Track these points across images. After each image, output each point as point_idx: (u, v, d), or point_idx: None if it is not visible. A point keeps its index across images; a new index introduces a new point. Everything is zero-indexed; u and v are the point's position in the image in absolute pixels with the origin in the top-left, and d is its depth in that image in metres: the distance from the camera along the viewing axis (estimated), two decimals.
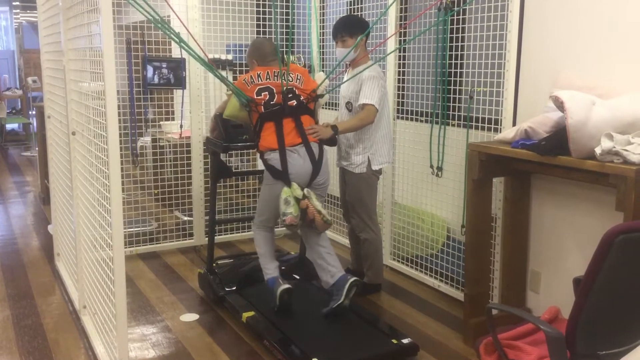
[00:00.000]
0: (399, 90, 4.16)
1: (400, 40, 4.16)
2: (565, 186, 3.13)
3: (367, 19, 3.88)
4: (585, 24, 2.94)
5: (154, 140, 5.50)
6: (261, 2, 5.05)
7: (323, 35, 5.20)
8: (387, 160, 3.74)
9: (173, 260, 4.53)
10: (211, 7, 4.64)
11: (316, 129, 3.27)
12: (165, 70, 4.61)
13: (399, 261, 4.29)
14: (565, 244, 3.16)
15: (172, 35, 3.11)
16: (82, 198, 3.26)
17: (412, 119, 4.12)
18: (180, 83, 4.65)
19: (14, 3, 13.29)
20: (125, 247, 3.51)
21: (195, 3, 4.55)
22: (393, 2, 3.91)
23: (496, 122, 3.39)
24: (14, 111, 11.79)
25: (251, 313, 3.34)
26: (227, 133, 3.55)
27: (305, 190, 3.15)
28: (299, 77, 3.29)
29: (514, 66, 3.23)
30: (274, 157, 3.17)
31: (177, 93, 5.20)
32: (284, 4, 5.59)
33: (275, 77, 3.23)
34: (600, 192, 2.92)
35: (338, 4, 5.09)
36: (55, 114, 3.95)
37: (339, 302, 3.18)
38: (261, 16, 5.07)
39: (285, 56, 3.41)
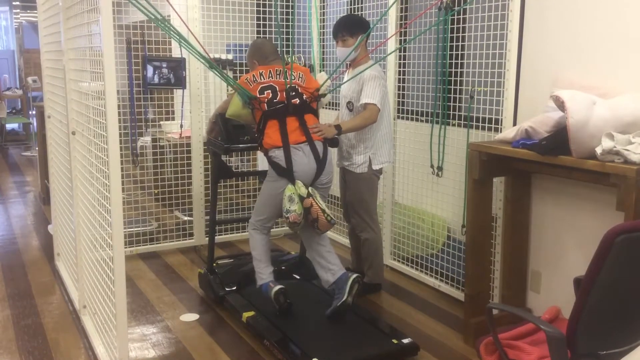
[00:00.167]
0: (399, 90, 4.16)
1: (400, 41, 4.16)
2: (565, 186, 3.12)
3: (367, 19, 3.87)
4: (586, 24, 2.94)
5: (154, 140, 5.50)
6: (261, 2, 5.05)
7: (323, 35, 5.20)
8: (387, 160, 3.74)
9: (173, 260, 4.52)
10: (211, 6, 4.64)
11: (320, 128, 3.27)
12: (165, 70, 4.61)
13: (399, 261, 4.29)
14: (566, 244, 3.16)
15: (173, 34, 3.10)
16: (82, 198, 3.26)
17: (412, 119, 4.12)
18: (181, 83, 4.65)
19: (14, 3, 13.30)
20: (125, 247, 3.51)
21: (196, 3, 4.54)
22: (394, 3, 3.91)
23: (497, 121, 3.38)
24: (14, 111, 11.79)
25: (251, 313, 3.34)
26: (228, 134, 3.55)
27: (310, 188, 3.14)
28: (301, 76, 3.28)
29: (515, 66, 3.23)
30: (279, 155, 3.16)
31: (177, 93, 5.20)
32: (284, 3, 5.59)
33: (278, 76, 3.23)
34: (601, 191, 2.92)
35: (338, 3, 5.09)
36: (56, 114, 3.95)
37: (343, 300, 3.16)
38: (261, 16, 5.07)
39: (285, 56, 3.40)
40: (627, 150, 2.44)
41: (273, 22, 3.36)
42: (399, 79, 4.14)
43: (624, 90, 2.76)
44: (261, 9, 5.06)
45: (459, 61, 3.73)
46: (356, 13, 4.70)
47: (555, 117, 2.81)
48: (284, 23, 5.50)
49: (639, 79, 2.75)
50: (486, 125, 3.47)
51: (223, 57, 4.77)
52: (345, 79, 3.77)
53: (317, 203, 3.08)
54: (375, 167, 3.67)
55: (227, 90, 4.85)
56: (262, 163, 3.37)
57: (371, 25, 3.61)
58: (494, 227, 3.39)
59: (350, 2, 4.86)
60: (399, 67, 4.13)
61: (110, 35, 2.42)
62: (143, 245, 4.69)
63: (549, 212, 3.24)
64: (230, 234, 5.03)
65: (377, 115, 3.52)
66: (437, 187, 3.94)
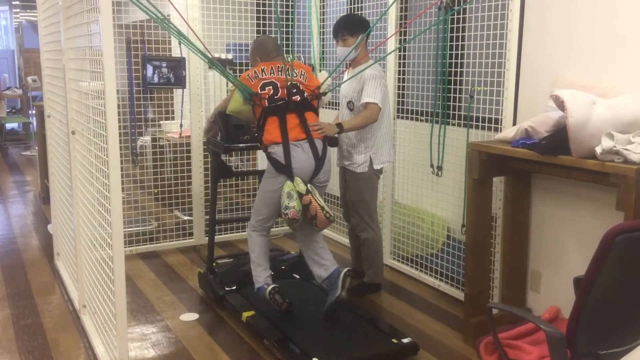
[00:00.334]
0: (399, 89, 4.16)
1: (400, 40, 4.16)
2: (565, 185, 3.12)
3: (367, 18, 3.87)
4: (585, 23, 2.94)
5: (153, 140, 5.49)
6: (261, 2, 5.04)
7: (323, 35, 5.20)
8: (388, 159, 3.74)
9: (173, 260, 4.52)
10: (211, 6, 4.64)
11: (321, 126, 3.26)
12: (165, 70, 4.60)
13: (399, 261, 4.29)
14: (566, 244, 3.16)
15: (174, 33, 3.10)
16: (82, 197, 3.26)
17: (412, 119, 4.12)
18: (180, 82, 4.64)
19: (13, 2, 13.30)
20: (125, 247, 3.51)
21: (196, 2, 4.54)
22: (393, 2, 3.90)
23: (496, 121, 3.38)
24: (13, 110, 11.78)
25: (251, 312, 3.34)
26: (228, 133, 3.55)
27: (309, 185, 3.14)
28: (302, 73, 3.28)
29: (515, 65, 3.23)
30: (278, 151, 3.16)
31: (177, 92, 5.19)
32: (284, 2, 5.58)
33: (280, 72, 3.23)
34: (601, 191, 2.92)
35: (338, 3, 5.09)
36: (55, 114, 3.94)
37: (337, 295, 3.15)
38: (261, 15, 5.07)
39: (285, 55, 3.40)
40: (627, 149, 2.44)
41: (273, 22, 3.35)
42: (399, 78, 4.14)
43: (623, 90, 2.76)
44: (261, 8, 5.06)
45: (459, 61, 3.73)
46: (356, 12, 4.70)
47: (555, 117, 2.81)
48: (284, 22, 5.50)
49: (638, 79, 2.75)
50: (486, 124, 3.47)
51: (223, 56, 4.77)
52: (345, 78, 3.77)
53: (316, 200, 3.08)
54: (376, 166, 3.67)
55: (227, 87, 4.85)
56: (261, 162, 3.37)
57: (371, 25, 3.61)
58: (494, 227, 3.39)
59: (350, 1, 4.86)
60: (399, 66, 4.13)
61: (110, 35, 2.42)
62: (143, 244, 4.69)
63: (548, 211, 3.24)
64: (230, 233, 5.03)
65: (378, 114, 3.52)
66: (437, 187, 3.93)
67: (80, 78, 3.08)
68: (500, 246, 3.39)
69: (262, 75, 3.22)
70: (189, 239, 4.83)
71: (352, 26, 3.60)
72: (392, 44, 4.03)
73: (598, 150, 2.50)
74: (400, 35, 4.18)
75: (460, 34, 3.72)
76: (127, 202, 4.79)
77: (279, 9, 5.42)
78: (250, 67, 3.38)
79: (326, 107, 5.15)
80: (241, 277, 3.71)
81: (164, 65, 4.61)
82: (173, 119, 5.47)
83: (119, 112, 2.56)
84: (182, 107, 4.76)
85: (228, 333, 3.34)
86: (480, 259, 3.22)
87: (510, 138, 2.94)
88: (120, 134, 2.59)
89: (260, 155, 3.26)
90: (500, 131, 3.29)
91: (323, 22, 5.22)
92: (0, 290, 3.90)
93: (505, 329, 2.33)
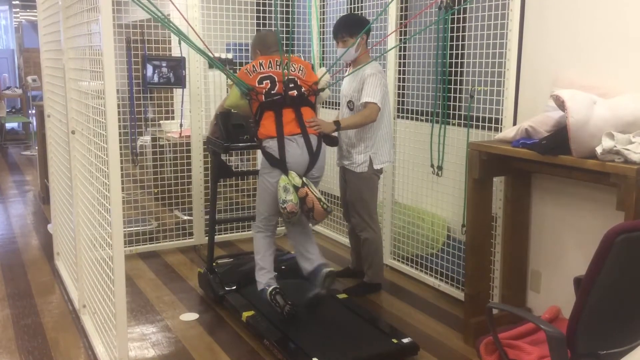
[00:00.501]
0: (399, 89, 4.15)
1: (400, 39, 4.15)
2: (566, 185, 3.12)
3: (367, 18, 3.87)
4: (586, 23, 2.94)
5: (153, 140, 5.49)
6: (261, 1, 5.04)
7: (323, 34, 5.19)
8: (388, 159, 3.74)
9: (173, 260, 4.52)
10: (211, 5, 4.64)
11: (317, 122, 3.27)
12: (165, 69, 4.60)
13: (399, 260, 4.29)
14: (566, 244, 3.15)
15: (174, 31, 3.10)
16: (82, 197, 3.26)
17: (412, 118, 4.12)
18: (180, 82, 4.64)
19: (13, 2, 13.29)
20: (125, 247, 3.51)
21: (196, 2, 4.54)
22: (392, 0, 3.90)
23: (497, 121, 3.38)
24: (13, 110, 11.78)
25: (251, 312, 3.33)
26: (228, 133, 3.54)
27: (304, 178, 3.14)
28: (301, 69, 3.28)
29: (515, 65, 3.22)
30: (273, 145, 3.17)
31: (177, 92, 5.19)
32: (284, 2, 5.58)
33: (278, 66, 3.23)
34: (601, 191, 2.91)
35: (338, 2, 5.08)
36: (55, 113, 3.94)
37: (316, 292, 3.23)
38: (261, 15, 5.07)
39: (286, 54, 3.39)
40: (627, 149, 2.44)
41: (273, 22, 3.35)
42: (399, 78, 4.13)
43: (624, 90, 2.76)
44: (261, 8, 5.06)
45: (459, 60, 3.73)
46: (356, 12, 4.69)
47: (555, 117, 2.81)
48: (284, 22, 5.49)
49: (639, 79, 2.75)
50: (486, 124, 3.47)
51: (223, 56, 4.77)
52: (346, 77, 3.77)
53: (312, 192, 3.08)
54: (376, 166, 3.67)
55: (227, 83, 4.84)
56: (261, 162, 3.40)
57: (370, 24, 3.60)
58: (494, 227, 3.39)
59: (350, 1, 4.86)
60: (399, 66, 4.13)
61: (110, 35, 2.41)
62: (143, 244, 4.68)
63: (549, 211, 3.24)
64: (230, 233, 5.03)
65: (377, 114, 3.51)
66: (437, 187, 3.93)
67: (80, 78, 3.07)
68: (501, 246, 3.39)
69: (260, 69, 3.23)
70: (189, 238, 4.83)
71: (352, 27, 3.59)
72: (392, 44, 4.02)
73: (598, 150, 2.50)
74: (401, 35, 4.18)
75: (460, 34, 3.72)
76: (127, 202, 4.79)
77: (278, 9, 5.42)
78: (250, 61, 3.39)
79: (327, 107, 5.16)
80: (241, 277, 3.71)
81: (164, 64, 4.60)
82: (173, 118, 5.47)
83: (119, 112, 2.56)
84: (182, 106, 4.75)
85: (228, 333, 3.34)
86: (481, 259, 3.21)
87: (511, 138, 2.94)
88: (120, 133, 2.59)
89: (260, 154, 3.27)
90: (501, 131, 3.28)
91: (323, 21, 5.22)
92: (0, 290, 3.90)
93: (506, 329, 2.33)
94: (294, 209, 3.06)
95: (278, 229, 3.49)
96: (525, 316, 2.09)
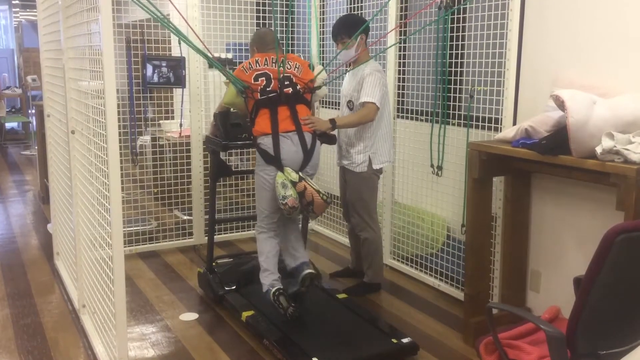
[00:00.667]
0: (399, 89, 4.15)
1: (400, 39, 4.15)
2: (565, 185, 3.12)
3: (367, 18, 3.87)
4: (586, 23, 2.94)
5: (153, 139, 5.49)
6: (261, 1, 5.04)
7: (323, 34, 5.19)
8: (387, 159, 3.74)
9: (172, 260, 4.52)
10: (211, 5, 4.64)
11: (312, 120, 3.27)
12: (165, 69, 4.60)
13: (399, 260, 4.28)
14: (566, 244, 3.15)
15: (173, 31, 3.10)
16: (82, 197, 3.26)
17: (412, 118, 4.12)
18: (180, 82, 4.64)
19: (13, 2, 13.28)
20: (125, 246, 3.51)
21: (195, 2, 4.54)
22: None
23: (496, 121, 3.38)
24: (13, 110, 11.78)
25: (251, 312, 3.33)
26: (227, 131, 3.55)
27: (300, 173, 3.14)
28: (297, 66, 3.29)
29: (515, 65, 3.22)
30: (267, 142, 3.17)
31: (177, 92, 5.19)
32: (284, 2, 5.58)
33: (273, 64, 3.24)
34: (601, 191, 2.91)
35: (338, 2, 5.08)
36: (55, 113, 3.94)
37: (295, 290, 3.28)
38: (261, 15, 5.06)
39: (284, 49, 3.40)
40: (627, 149, 2.44)
41: (273, 21, 3.35)
42: (399, 78, 4.13)
43: (624, 90, 2.76)
44: (261, 7, 5.05)
45: (459, 60, 3.73)
46: (356, 13, 4.69)
47: (555, 117, 2.81)
48: (284, 22, 5.49)
49: (639, 79, 2.74)
50: (486, 124, 3.47)
51: (223, 56, 4.76)
52: (346, 77, 3.77)
53: (310, 185, 3.08)
54: (375, 166, 3.67)
55: (224, 80, 4.83)
56: None
57: (370, 22, 3.60)
58: (494, 227, 3.39)
59: (350, 1, 4.85)
60: (399, 66, 4.13)
61: (110, 34, 2.41)
62: (142, 244, 4.68)
63: (548, 211, 3.24)
64: (230, 233, 5.03)
65: (375, 114, 3.51)
66: (437, 187, 3.93)
67: (80, 77, 3.07)
68: (500, 246, 3.39)
69: (256, 66, 3.24)
70: (188, 238, 4.83)
71: (351, 27, 3.59)
72: (391, 43, 4.02)
73: (598, 150, 2.50)
74: (400, 35, 4.18)
75: (460, 34, 3.72)
76: (127, 202, 4.78)
77: (278, 9, 5.42)
78: (249, 57, 3.40)
79: (327, 107, 5.16)
80: (241, 276, 3.71)
81: (164, 64, 4.60)
82: (173, 118, 5.46)
83: (118, 112, 2.56)
84: (181, 106, 4.75)
85: (228, 333, 3.34)
86: (480, 259, 3.21)
87: (511, 138, 2.94)
88: (120, 133, 2.59)
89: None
90: (500, 131, 3.28)
91: (323, 21, 5.21)
92: (0, 290, 3.90)
93: (505, 329, 2.33)
94: (294, 204, 3.06)
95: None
96: (525, 316, 2.09)
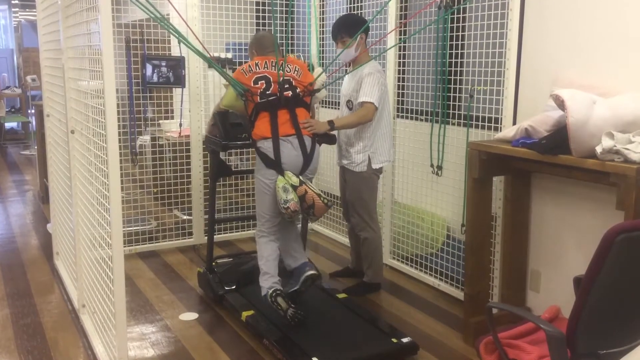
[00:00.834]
0: (399, 88, 4.15)
1: (400, 39, 4.15)
2: (565, 185, 3.12)
3: (367, 18, 3.87)
4: (585, 23, 2.94)
5: (153, 139, 5.49)
6: (261, 1, 5.04)
7: (323, 34, 5.19)
8: (387, 159, 3.74)
9: (172, 259, 4.52)
10: (210, 5, 4.64)
11: (311, 123, 3.27)
12: (164, 69, 4.60)
13: (398, 260, 4.28)
14: (566, 243, 3.15)
15: (172, 32, 3.10)
16: (81, 197, 3.25)
17: (412, 118, 4.12)
18: (180, 82, 4.64)
19: (13, 1, 13.28)
20: (125, 246, 3.51)
21: (195, 1, 4.54)
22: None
23: (496, 120, 3.38)
24: (13, 110, 11.77)
25: (251, 312, 3.33)
26: (226, 131, 3.55)
27: (300, 177, 3.14)
28: (297, 69, 3.28)
29: (514, 65, 3.22)
30: (267, 146, 3.17)
31: (177, 92, 5.19)
32: (284, 2, 5.58)
33: (273, 67, 3.23)
34: (601, 191, 2.91)
35: (338, 2, 5.08)
36: (55, 113, 3.94)
37: (295, 288, 3.28)
38: (260, 14, 5.06)
39: (284, 52, 3.40)
40: (627, 149, 2.44)
41: (272, 21, 3.35)
42: (399, 77, 4.13)
43: (623, 90, 2.76)
44: (261, 7, 5.05)
45: (459, 60, 3.73)
46: (355, 12, 4.69)
47: (555, 116, 2.81)
48: (284, 22, 5.49)
49: (638, 79, 2.74)
50: (486, 124, 3.47)
51: (222, 55, 4.76)
52: (346, 77, 3.77)
53: (310, 189, 3.08)
54: (374, 166, 3.66)
55: (224, 82, 4.83)
56: None
57: (370, 22, 3.60)
58: (494, 227, 3.39)
59: (350, 0, 4.85)
60: (399, 65, 4.13)
61: (110, 34, 2.41)
62: (142, 244, 4.68)
63: (548, 211, 3.24)
64: (230, 232, 5.03)
65: (374, 113, 3.51)
66: (437, 186, 3.93)
67: (79, 77, 3.07)
68: (500, 246, 3.39)
69: (256, 69, 3.23)
70: (188, 238, 4.83)
71: (351, 27, 3.59)
72: (391, 43, 4.02)
73: (598, 149, 2.49)
74: (400, 34, 4.18)
75: (460, 33, 3.72)
76: (127, 202, 4.78)
77: (278, 8, 5.42)
78: (248, 61, 3.40)
79: (327, 107, 5.16)
80: (240, 276, 3.71)
81: (164, 64, 4.60)
82: (172, 118, 5.46)
83: (118, 112, 2.55)
84: (181, 106, 4.75)
85: (227, 332, 3.33)
86: (480, 259, 3.21)
87: (510, 137, 2.94)
88: (119, 133, 2.59)
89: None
90: (500, 130, 3.28)
91: (322, 21, 5.21)
92: (0, 290, 3.89)
93: (505, 329, 2.33)
94: (296, 208, 3.06)
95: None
96: (525, 316, 2.09)
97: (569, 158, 2.62)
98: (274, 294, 3.16)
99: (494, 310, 2.39)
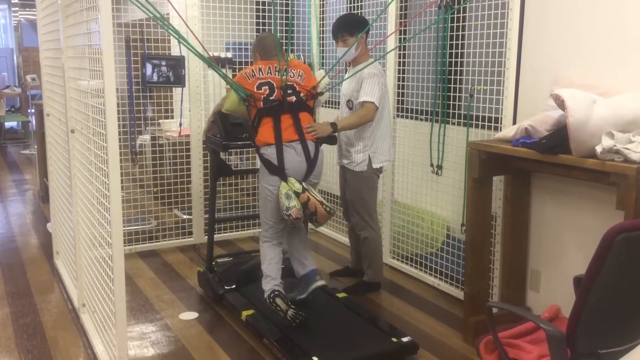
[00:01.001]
0: (399, 88, 4.15)
1: (400, 38, 4.15)
2: (565, 185, 3.12)
3: (367, 17, 3.87)
4: (586, 23, 2.94)
5: (153, 139, 5.49)
6: (261, 0, 5.04)
7: (323, 33, 5.19)
8: (387, 158, 3.74)
9: (172, 259, 4.52)
10: (210, 4, 4.63)
11: (315, 127, 3.25)
12: (164, 68, 4.59)
13: (398, 260, 4.29)
14: (566, 243, 3.15)
15: (172, 33, 3.10)
16: (82, 196, 3.25)
17: (412, 117, 4.12)
18: (180, 81, 4.63)
19: (12, 1, 13.27)
20: (125, 246, 3.51)
21: (195, 1, 4.54)
22: (392, 0, 3.90)
23: (496, 120, 3.38)
24: (13, 109, 11.77)
25: (251, 311, 3.33)
26: (227, 131, 3.54)
27: (304, 183, 3.14)
28: (300, 74, 3.27)
29: (515, 64, 3.22)
30: (271, 152, 3.15)
31: (177, 91, 5.19)
32: (284, 1, 5.58)
33: (277, 72, 3.22)
34: (601, 190, 2.91)
35: (338, 1, 5.08)
36: (55, 112, 3.94)
37: (302, 297, 3.25)
38: (261, 14, 5.06)
39: (285, 52, 3.39)
40: (627, 149, 2.44)
41: (272, 21, 3.35)
42: (399, 77, 4.13)
43: (623, 89, 2.76)
44: (261, 7, 5.05)
45: (459, 59, 3.73)
46: (356, 12, 4.69)
47: (555, 116, 2.81)
48: (284, 21, 5.49)
49: (638, 78, 2.74)
50: (486, 123, 3.47)
51: (222, 55, 4.76)
52: (346, 76, 3.76)
53: (313, 196, 3.07)
54: (375, 165, 3.67)
55: (226, 89, 4.83)
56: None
57: (370, 23, 3.60)
58: (494, 226, 3.39)
59: (350, 0, 4.85)
60: (399, 65, 4.13)
61: (110, 33, 2.41)
62: (142, 243, 4.68)
63: (548, 211, 3.24)
64: (230, 232, 5.03)
65: (374, 113, 3.51)
66: (437, 186, 3.93)
67: (79, 77, 3.07)
68: (500, 245, 3.39)
69: (259, 75, 3.21)
70: (188, 237, 4.83)
71: (351, 26, 3.59)
72: (392, 43, 4.02)
73: (598, 149, 2.50)
74: (401, 34, 4.18)
75: (460, 33, 3.72)
76: (127, 201, 4.79)
77: (278, 8, 5.41)
78: (251, 62, 3.38)
79: (327, 107, 5.15)
80: (241, 276, 3.71)
81: (164, 63, 4.60)
82: (172, 117, 5.46)
83: (118, 111, 2.55)
84: (181, 105, 4.75)
85: (227, 332, 3.34)
86: (480, 258, 3.21)
87: (510, 137, 2.94)
88: (119, 132, 2.59)
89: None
90: (500, 130, 3.28)
91: (323, 21, 5.21)
92: (0, 289, 3.90)
93: (505, 328, 2.33)
94: (298, 215, 3.05)
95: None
96: (525, 315, 2.09)
97: (569, 158, 2.62)
98: (272, 295, 3.15)
99: (494, 310, 2.39)
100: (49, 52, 4.02)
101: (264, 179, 3.21)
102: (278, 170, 3.14)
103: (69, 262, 3.84)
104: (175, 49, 4.72)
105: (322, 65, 5.06)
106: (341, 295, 3.59)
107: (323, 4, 5.24)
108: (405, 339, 3.03)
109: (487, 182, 3.17)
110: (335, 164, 3.92)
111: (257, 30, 5.13)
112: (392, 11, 4.01)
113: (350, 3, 4.82)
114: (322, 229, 5.16)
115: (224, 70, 4.49)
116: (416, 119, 4.07)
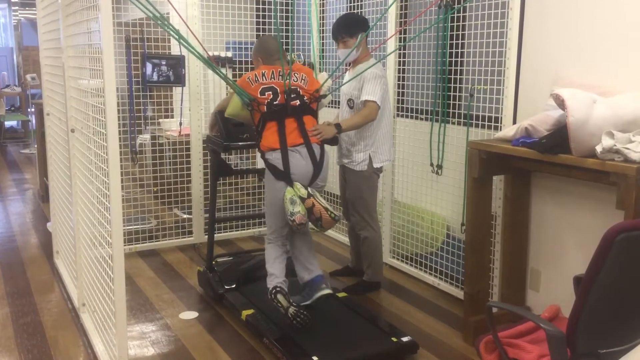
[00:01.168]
0: (399, 88, 4.15)
1: (400, 39, 4.15)
2: (565, 184, 3.12)
3: (367, 17, 3.86)
4: (586, 23, 2.94)
5: (153, 138, 5.49)
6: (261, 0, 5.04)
7: (323, 33, 5.19)
8: (388, 158, 3.74)
9: (172, 258, 4.52)
10: (210, 4, 4.63)
11: (320, 130, 3.23)
12: (164, 68, 4.60)
13: (398, 259, 4.29)
14: (566, 243, 3.15)
15: (172, 33, 3.09)
16: (82, 195, 3.26)
17: (412, 117, 4.12)
18: (180, 80, 4.63)
19: (12, 0, 13.27)
20: (125, 245, 3.51)
21: (195, 0, 4.54)
22: (393, 2, 3.90)
23: (496, 120, 3.38)
24: (12, 108, 11.77)
25: (251, 311, 3.33)
26: (228, 131, 3.54)
27: (309, 189, 3.12)
28: (303, 78, 3.25)
29: (515, 64, 3.22)
30: (276, 157, 3.14)
31: (177, 90, 5.19)
32: (284, 1, 5.58)
33: (280, 77, 3.20)
34: (601, 190, 2.91)
35: (338, 2, 5.08)
36: (55, 112, 3.94)
37: (307, 303, 3.20)
38: (261, 14, 5.06)
39: (287, 55, 3.38)
40: (627, 148, 2.44)
41: (273, 20, 3.34)
42: (399, 77, 4.13)
43: (623, 89, 2.76)
44: (261, 6, 5.05)
45: (459, 59, 3.73)
46: (356, 12, 4.69)
47: (555, 116, 2.81)
48: (284, 21, 5.49)
49: (638, 78, 2.75)
50: (486, 123, 3.47)
51: (222, 54, 4.76)
52: (346, 78, 3.76)
53: (318, 202, 3.06)
54: (375, 165, 3.67)
55: (227, 90, 4.84)
56: (261, 161, 3.39)
57: (371, 24, 3.60)
58: (494, 226, 3.39)
59: (350, 0, 4.85)
60: (399, 65, 4.13)
61: (110, 33, 2.41)
62: (142, 243, 4.68)
63: (548, 210, 3.24)
64: (230, 231, 5.03)
65: (377, 112, 3.51)
66: (437, 186, 3.93)
67: (79, 76, 3.07)
68: (500, 245, 3.39)
69: (263, 80, 3.19)
70: (188, 237, 4.83)
71: (351, 27, 3.59)
72: (392, 44, 4.02)
73: (598, 149, 2.50)
74: (401, 34, 4.18)
75: (460, 33, 3.72)
76: (127, 200, 4.78)
77: (278, 7, 5.41)
78: (252, 65, 3.36)
79: (328, 106, 5.15)
80: (241, 275, 3.71)
81: (164, 63, 4.60)
82: (172, 117, 5.46)
83: (118, 110, 2.55)
84: (181, 105, 4.75)
85: (227, 331, 3.34)
86: (480, 258, 3.21)
87: (511, 137, 2.94)
88: (119, 131, 2.59)
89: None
90: (500, 130, 3.28)
91: (323, 20, 5.21)
92: (0, 289, 3.90)
93: (505, 328, 2.33)
94: (302, 220, 3.03)
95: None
96: (525, 315, 2.09)
97: (569, 157, 2.62)
98: (273, 291, 3.13)
99: (494, 310, 2.39)
100: (49, 51, 4.02)
101: (270, 184, 3.20)
102: (284, 175, 3.12)
103: (69, 261, 3.84)
104: (176, 48, 4.72)
105: (323, 66, 5.06)
106: (341, 294, 3.60)
107: (323, 4, 5.24)
108: (405, 339, 3.03)
109: (487, 181, 3.17)
110: (335, 164, 3.91)
111: (257, 30, 5.13)
112: (392, 11, 4.01)
113: (350, 3, 4.82)
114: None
115: (223, 70, 4.49)
116: (416, 118, 4.07)
